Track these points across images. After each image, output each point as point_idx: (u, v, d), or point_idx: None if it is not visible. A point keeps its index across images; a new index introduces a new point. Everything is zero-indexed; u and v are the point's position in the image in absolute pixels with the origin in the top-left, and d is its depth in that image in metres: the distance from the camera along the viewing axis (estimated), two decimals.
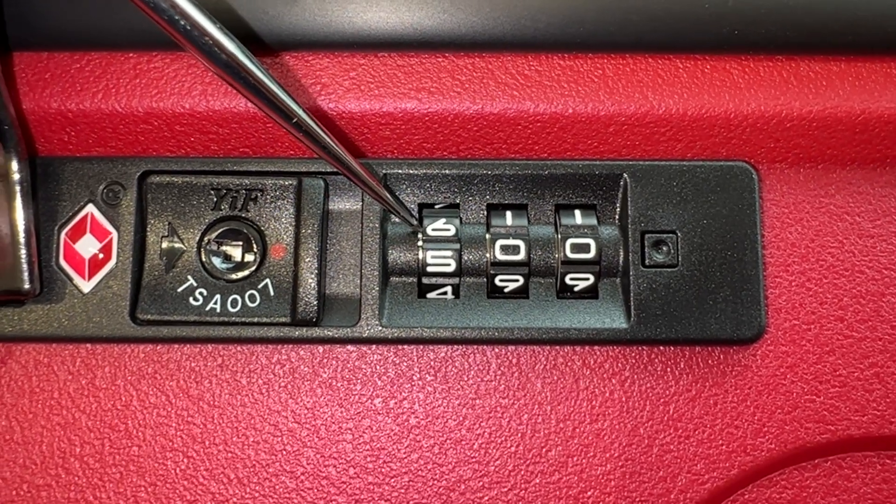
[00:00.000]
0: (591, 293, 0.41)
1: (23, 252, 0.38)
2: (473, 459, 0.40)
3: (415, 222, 0.40)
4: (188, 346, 0.40)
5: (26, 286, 0.38)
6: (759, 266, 0.40)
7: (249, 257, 0.40)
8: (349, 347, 0.40)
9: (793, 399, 0.40)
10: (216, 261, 0.39)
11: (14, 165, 0.38)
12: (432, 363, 0.40)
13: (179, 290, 0.39)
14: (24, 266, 0.38)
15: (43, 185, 0.40)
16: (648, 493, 0.39)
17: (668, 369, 0.40)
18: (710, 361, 0.40)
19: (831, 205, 0.41)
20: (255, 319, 0.39)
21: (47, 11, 0.39)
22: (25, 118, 0.39)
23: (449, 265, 0.40)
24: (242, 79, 0.31)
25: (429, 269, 0.40)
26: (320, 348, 0.40)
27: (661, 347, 0.40)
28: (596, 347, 0.40)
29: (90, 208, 0.40)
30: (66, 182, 0.40)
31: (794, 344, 0.40)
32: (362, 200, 0.40)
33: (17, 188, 0.38)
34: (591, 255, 0.40)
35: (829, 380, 0.40)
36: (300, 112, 0.33)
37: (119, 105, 0.39)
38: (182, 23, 0.29)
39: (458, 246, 0.40)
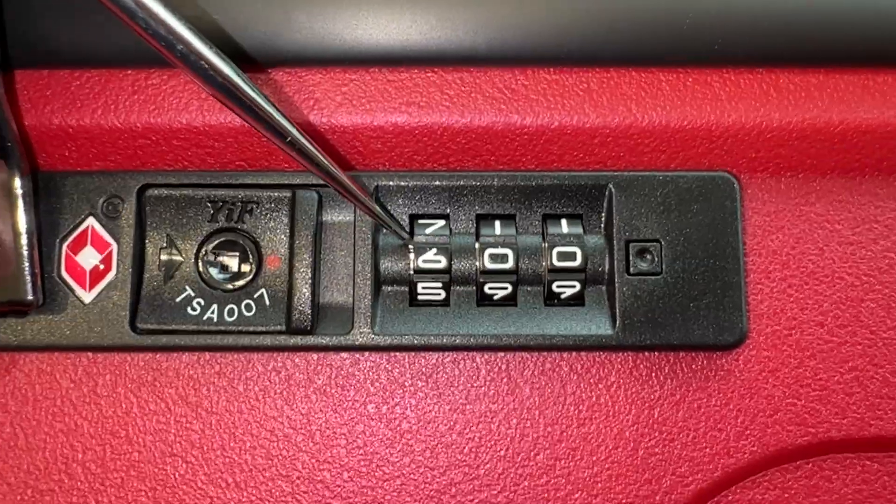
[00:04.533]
0: (577, 300, 0.42)
1: (26, 264, 0.39)
2: (464, 463, 0.41)
3: (406, 235, 0.41)
4: (186, 354, 0.41)
5: (29, 297, 0.39)
6: (740, 273, 0.41)
7: (245, 268, 0.41)
8: (342, 355, 0.41)
9: (774, 402, 0.41)
10: (213, 271, 0.41)
11: (17, 181, 0.39)
12: (423, 369, 0.41)
13: (178, 300, 0.40)
14: (27, 278, 0.39)
15: (45, 199, 0.41)
16: (634, 495, 0.40)
17: (653, 374, 0.41)
18: (693, 366, 0.41)
19: (811, 213, 0.42)
20: (251, 328, 0.40)
21: (48, 31, 0.40)
22: (27, 134, 0.40)
23: (439, 274, 0.41)
24: (237, 100, 0.32)
25: (419, 277, 0.41)
26: (314, 356, 0.41)
27: (646, 353, 0.41)
28: (582, 353, 0.41)
29: (91, 221, 0.41)
30: (67, 196, 0.41)
31: (775, 349, 0.41)
32: (355, 212, 0.41)
33: (20, 202, 0.39)
34: (577, 263, 0.41)
35: (809, 383, 0.41)
36: (293, 130, 0.34)
37: (118, 120, 0.40)
38: (179, 47, 0.30)
39: (448, 255, 0.41)
